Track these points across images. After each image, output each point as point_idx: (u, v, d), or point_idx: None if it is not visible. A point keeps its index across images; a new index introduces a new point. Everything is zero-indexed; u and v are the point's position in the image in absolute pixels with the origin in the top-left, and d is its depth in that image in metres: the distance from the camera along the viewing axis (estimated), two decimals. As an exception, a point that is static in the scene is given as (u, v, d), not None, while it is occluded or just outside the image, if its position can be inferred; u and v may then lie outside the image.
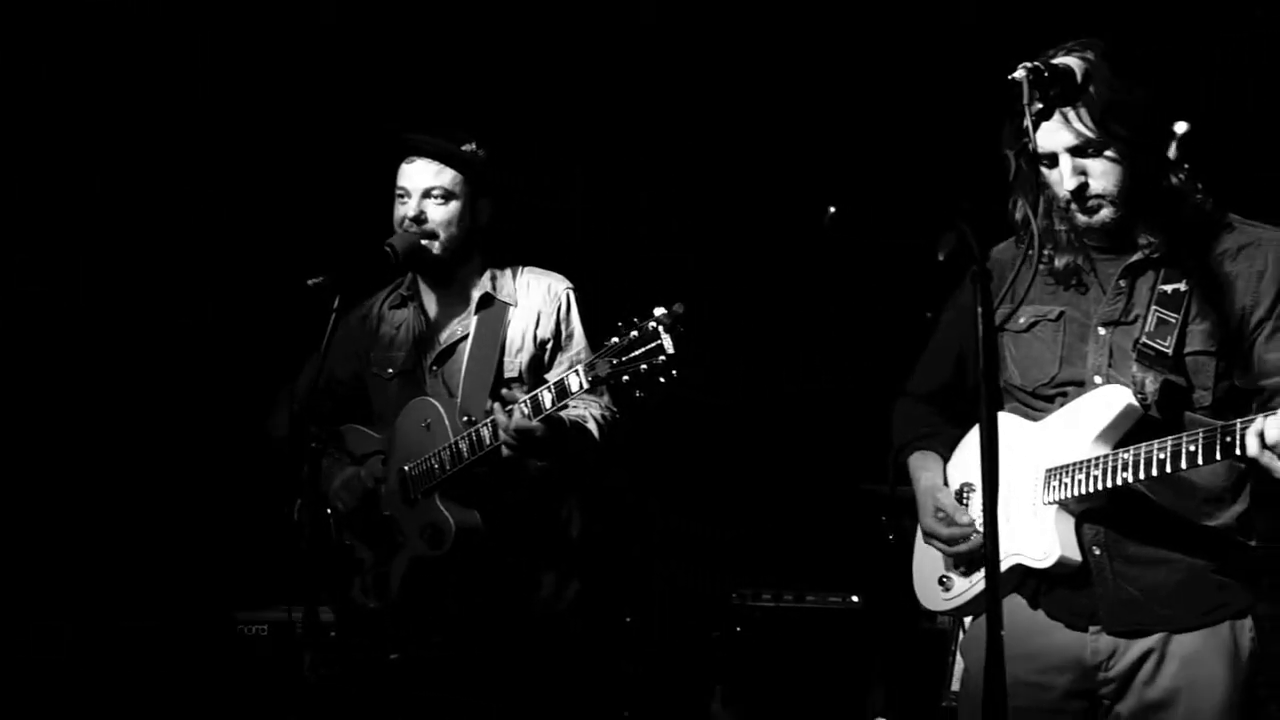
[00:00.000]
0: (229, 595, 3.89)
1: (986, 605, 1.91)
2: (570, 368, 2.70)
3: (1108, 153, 2.23)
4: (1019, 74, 2.12)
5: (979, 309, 1.93)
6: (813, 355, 4.66)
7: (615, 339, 2.56)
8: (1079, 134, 2.21)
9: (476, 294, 3.07)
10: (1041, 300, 2.39)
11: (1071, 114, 2.20)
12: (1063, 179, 2.25)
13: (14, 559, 4.15)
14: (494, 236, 3.13)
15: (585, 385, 2.63)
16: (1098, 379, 2.29)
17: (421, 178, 3.00)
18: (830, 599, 4.16)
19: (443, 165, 3.00)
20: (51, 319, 4.31)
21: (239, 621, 3.74)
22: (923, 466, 2.49)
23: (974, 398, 2.17)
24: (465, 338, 3.05)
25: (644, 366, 2.51)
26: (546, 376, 2.95)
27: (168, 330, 4.40)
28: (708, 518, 4.55)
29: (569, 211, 4.55)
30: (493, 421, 2.78)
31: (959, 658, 3.53)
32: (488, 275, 3.09)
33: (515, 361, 3.01)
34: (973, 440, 2.45)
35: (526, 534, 2.96)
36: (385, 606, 3.01)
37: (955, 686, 3.61)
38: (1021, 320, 2.40)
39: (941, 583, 2.43)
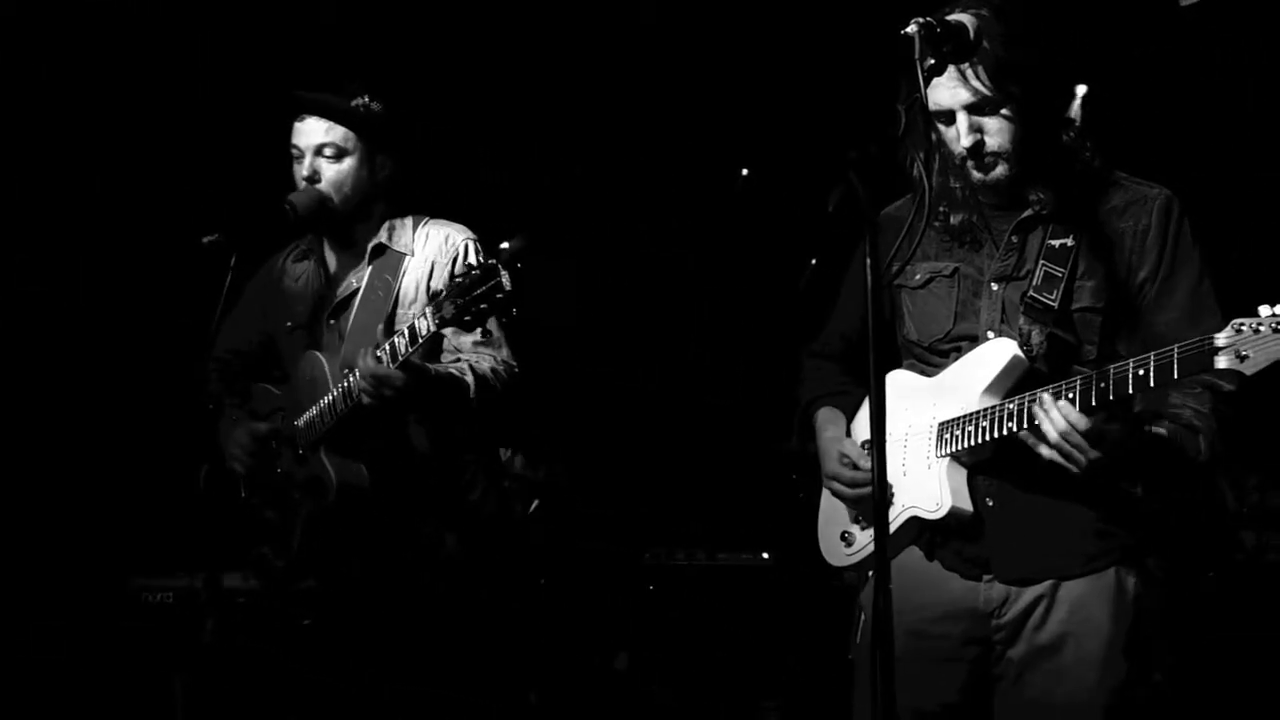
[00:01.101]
0: (131, 562, 3.82)
1: (875, 558, 1.93)
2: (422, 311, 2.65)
3: (1004, 111, 2.26)
4: (911, 29, 2.12)
5: (867, 260, 1.96)
6: (721, 316, 4.70)
7: (460, 279, 2.54)
8: (976, 91, 2.23)
9: (371, 245, 3.02)
10: (937, 256, 2.41)
11: (969, 71, 2.22)
12: (959, 136, 2.27)
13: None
14: (397, 190, 3.06)
15: (432, 327, 2.58)
16: (990, 334, 2.33)
17: (312, 136, 2.93)
18: (742, 556, 4.21)
19: (333, 122, 2.93)
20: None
21: (141, 589, 3.67)
22: (829, 421, 2.53)
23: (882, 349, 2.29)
24: (358, 290, 3.00)
25: (484, 305, 2.49)
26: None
27: (62, 295, 4.29)
28: (620, 479, 4.57)
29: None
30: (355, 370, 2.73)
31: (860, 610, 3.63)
32: (385, 226, 3.03)
33: (408, 313, 2.93)
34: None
35: (422, 492, 2.91)
36: (290, 564, 2.96)
37: (860, 639, 3.67)
38: (918, 277, 2.43)
39: (844, 538, 2.47)
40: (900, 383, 2.43)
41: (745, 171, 4.38)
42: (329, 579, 2.95)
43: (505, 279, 2.47)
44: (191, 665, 3.47)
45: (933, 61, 2.15)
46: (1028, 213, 2.34)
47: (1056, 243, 2.31)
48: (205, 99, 4.25)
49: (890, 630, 1.89)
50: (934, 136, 2.32)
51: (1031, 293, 2.30)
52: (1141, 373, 2.06)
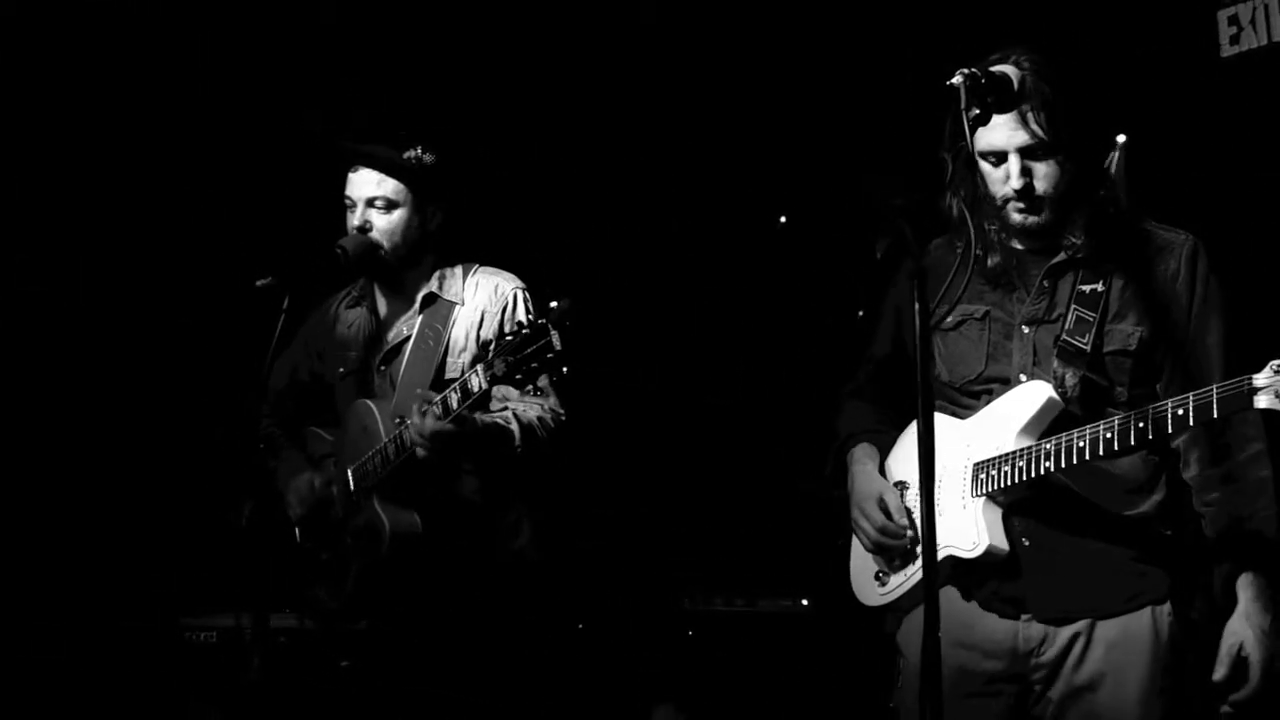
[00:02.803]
0: (176, 601, 3.85)
1: (924, 596, 1.95)
2: (474, 367, 2.70)
3: (1056, 157, 2.31)
4: (956, 80, 2.17)
5: (915, 305, 1.99)
6: (759, 361, 4.71)
7: (509, 337, 2.58)
8: (1034, 135, 2.29)
9: (421, 294, 3.07)
10: (968, 299, 2.45)
11: (1030, 115, 2.28)
12: (1009, 177, 2.31)
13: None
14: (448, 239, 3.12)
15: (484, 385, 2.63)
16: (1023, 376, 2.37)
17: (364, 188, 3.00)
18: (781, 603, 4.18)
19: (385, 175, 2.99)
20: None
21: (185, 628, 3.70)
22: (864, 457, 2.55)
23: (908, 395, 2.30)
24: (409, 338, 3.05)
25: (534, 364, 2.53)
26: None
27: (115, 333, 4.36)
28: (659, 523, 4.57)
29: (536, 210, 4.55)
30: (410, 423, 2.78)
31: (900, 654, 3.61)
32: (436, 275, 3.09)
33: (458, 361, 2.99)
34: (907, 439, 2.52)
35: (468, 540, 2.94)
36: (343, 608, 2.98)
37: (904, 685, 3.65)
38: (950, 319, 2.47)
39: (877, 578, 2.48)
40: (934, 425, 2.44)
41: (783, 219, 4.42)
42: (381, 622, 2.98)
43: (555, 339, 2.50)
44: (232, 704, 3.48)
45: (977, 111, 2.20)
46: (1060, 257, 2.39)
47: (1087, 288, 2.36)
48: (264, 146, 4.34)
49: (938, 673, 1.90)
50: (974, 180, 2.37)
51: (1065, 336, 2.34)
52: (1181, 413, 2.09)
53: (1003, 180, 2.34)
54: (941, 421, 2.43)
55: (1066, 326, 2.34)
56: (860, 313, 2.62)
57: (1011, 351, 2.40)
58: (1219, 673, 2.24)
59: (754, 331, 4.71)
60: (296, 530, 3.11)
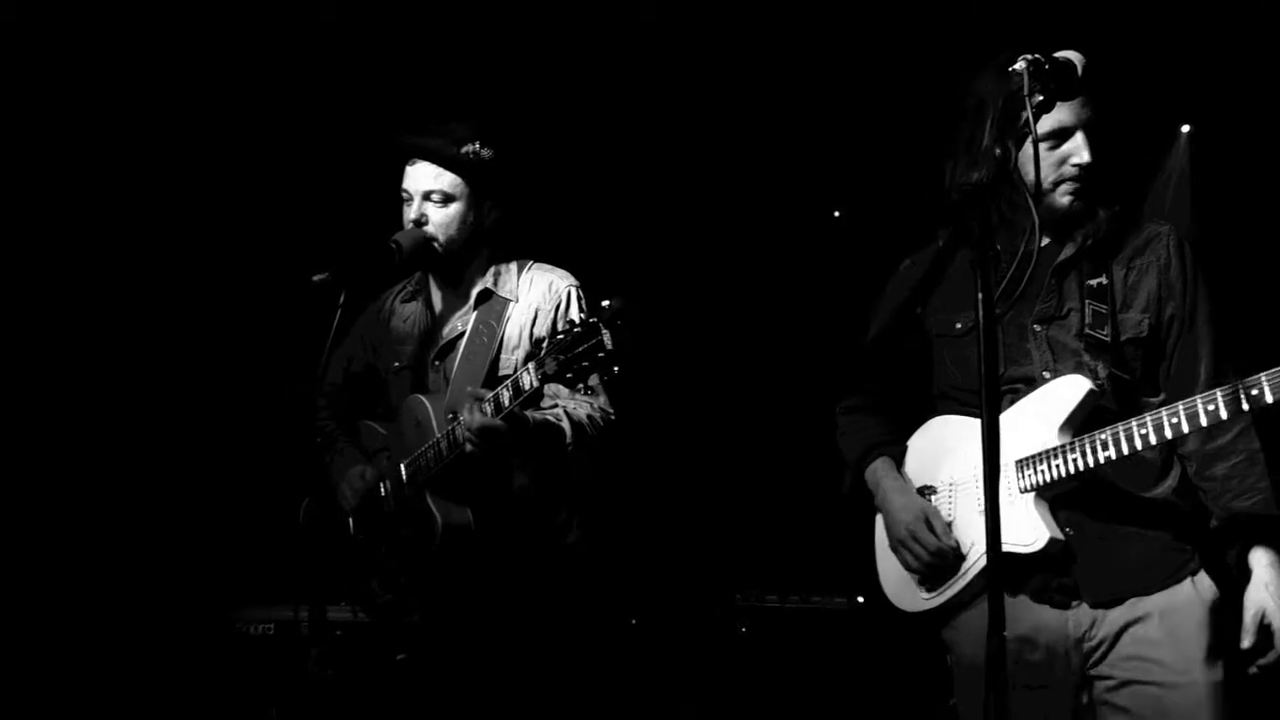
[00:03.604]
0: (234, 594, 3.89)
1: (988, 594, 1.95)
2: (526, 365, 2.71)
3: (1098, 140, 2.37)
4: (1020, 66, 2.15)
5: (979, 295, 1.98)
6: (815, 356, 4.66)
7: (561, 335, 2.57)
8: (1098, 113, 2.34)
9: (476, 289, 3.08)
10: (973, 305, 2.43)
11: (1085, 94, 2.32)
12: (1080, 150, 2.35)
13: (21, 558, 4.15)
14: (502, 234, 3.12)
15: (535, 383, 2.63)
16: (1046, 374, 2.40)
17: (421, 181, 3.00)
18: (835, 599, 4.15)
19: (442, 169, 3.00)
20: (54, 315, 4.32)
21: (243, 621, 3.74)
22: (887, 474, 2.57)
23: (913, 401, 2.46)
24: (463, 334, 3.05)
25: (586, 363, 2.52)
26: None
27: (172, 328, 4.41)
28: (714, 519, 4.54)
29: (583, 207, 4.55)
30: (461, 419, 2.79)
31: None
32: (491, 271, 3.09)
33: (512, 358, 2.99)
34: (917, 445, 2.57)
35: (519, 536, 2.95)
36: (397, 601, 3.00)
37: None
38: (958, 325, 2.49)
39: (922, 585, 2.49)
40: (949, 429, 2.50)
41: (837, 213, 4.38)
42: (433, 615, 2.99)
43: (607, 338, 2.49)
44: (288, 697, 3.51)
45: (1041, 98, 2.17)
46: (1068, 252, 2.43)
47: (1094, 281, 2.42)
48: (320, 140, 4.37)
49: (1003, 666, 1.91)
50: (1005, 168, 2.35)
51: (1088, 330, 2.39)
52: (1212, 408, 2.14)
53: (1060, 161, 2.37)
54: (961, 425, 2.47)
55: (1086, 320, 2.38)
56: (919, 309, 2.59)
57: (1029, 351, 2.43)
58: (1246, 641, 2.31)
59: (810, 327, 4.66)
60: (350, 523, 3.12)
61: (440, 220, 3.01)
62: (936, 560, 2.41)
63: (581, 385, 2.65)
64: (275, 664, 3.65)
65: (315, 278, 2.85)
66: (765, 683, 4.11)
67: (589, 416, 2.92)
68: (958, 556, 2.40)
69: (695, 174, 4.67)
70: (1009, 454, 2.36)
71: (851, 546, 4.32)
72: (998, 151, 2.28)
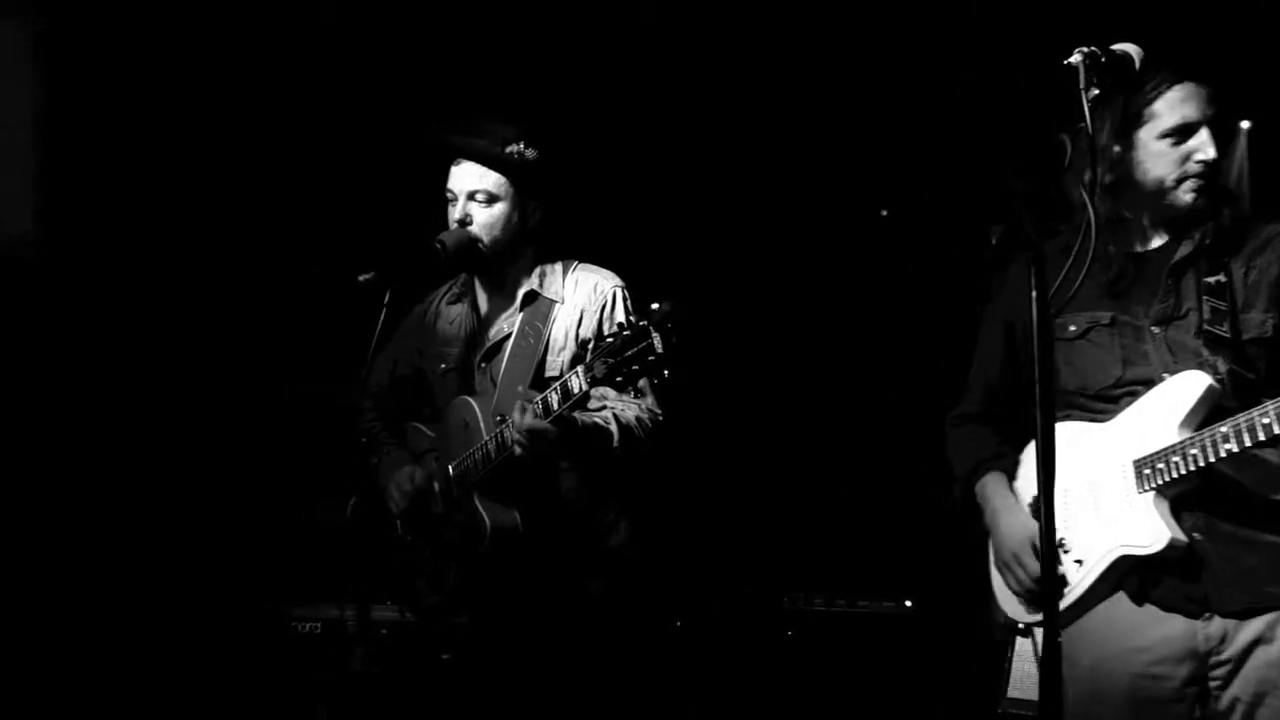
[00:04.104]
0: (283, 592, 3.92)
1: (1043, 608, 1.92)
2: (568, 370, 2.70)
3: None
4: (1075, 59, 2.10)
5: (1034, 294, 1.93)
6: (867, 359, 4.62)
7: (610, 339, 2.56)
8: (1219, 108, 2.31)
9: (522, 291, 3.07)
10: (1092, 306, 2.42)
11: (1208, 89, 2.30)
12: (1205, 146, 2.31)
13: (78, 555, 4.21)
14: (547, 235, 3.12)
15: (585, 386, 2.62)
16: (1165, 375, 2.34)
17: (466, 181, 3.01)
18: (883, 604, 4.10)
19: (487, 168, 3.00)
20: (113, 314, 4.38)
21: (292, 619, 3.77)
22: (997, 491, 2.51)
23: (1029, 404, 2.27)
24: (510, 335, 3.05)
25: (635, 366, 2.51)
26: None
27: (221, 328, 4.45)
28: (760, 521, 4.51)
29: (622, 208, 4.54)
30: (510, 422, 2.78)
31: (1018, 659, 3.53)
32: (537, 272, 3.09)
33: (558, 360, 2.99)
34: (1030, 458, 2.50)
35: (567, 538, 2.94)
36: (444, 602, 3.00)
37: (1012, 693, 3.56)
38: (1072, 328, 2.44)
39: (1030, 602, 2.44)
40: (1068, 433, 2.42)
41: (884, 212, 4.33)
42: (481, 616, 2.99)
43: (656, 341, 2.48)
44: (336, 695, 3.53)
45: (1097, 92, 2.12)
46: (1184, 251, 2.38)
47: (1212, 279, 2.35)
48: (367, 141, 4.40)
49: (1060, 683, 1.87)
50: (1122, 166, 2.34)
51: (1207, 326, 2.32)
52: None
53: (1184, 157, 2.32)
54: (1078, 429, 2.42)
55: (1205, 317, 2.32)
56: (977, 309, 2.55)
57: (1147, 354, 2.37)
58: None
59: (858, 329, 4.61)
60: (398, 524, 3.13)
61: (485, 220, 3.01)
62: (1039, 587, 2.37)
63: (630, 389, 2.64)
64: (323, 662, 3.67)
65: (361, 278, 2.87)
66: (811, 687, 4.07)
67: (637, 418, 2.91)
68: (1063, 580, 2.36)
69: (741, 172, 4.64)
70: (1126, 455, 2.33)
71: (900, 550, 4.30)
72: (1116, 149, 2.29)
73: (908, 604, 4.07)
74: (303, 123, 4.42)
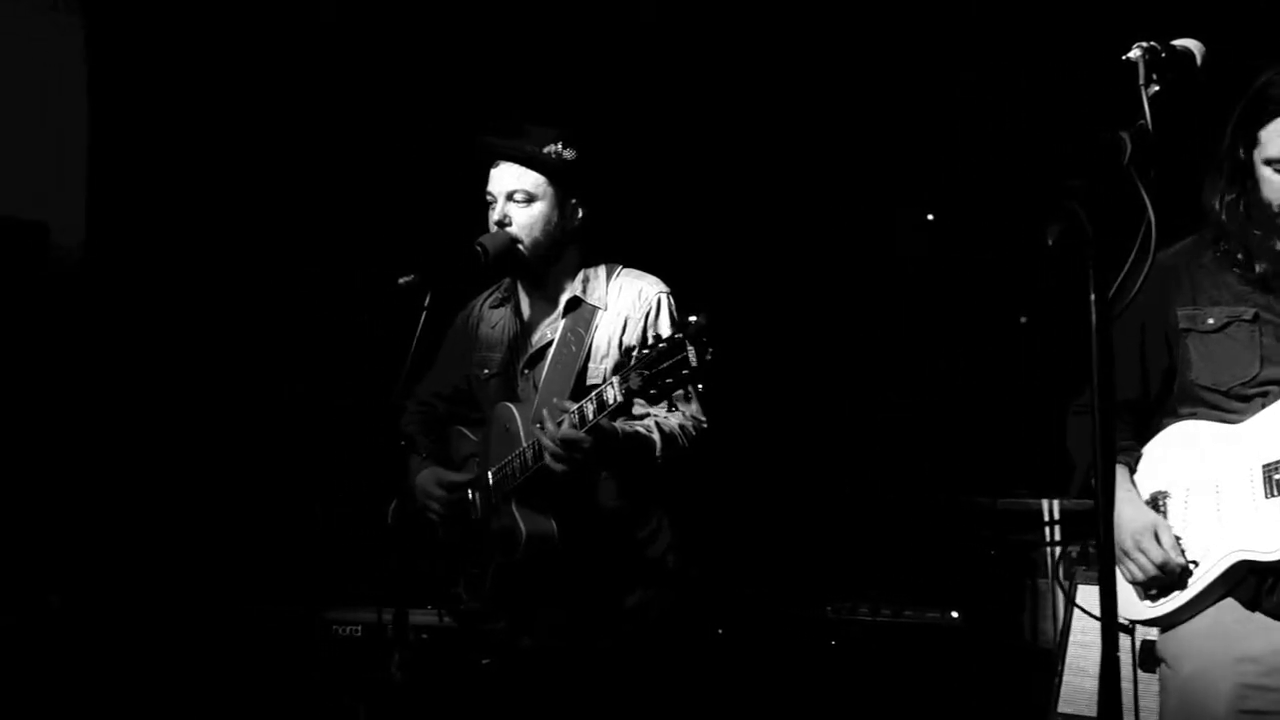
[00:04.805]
0: (323, 596, 3.92)
1: (1101, 609, 1.85)
2: (607, 379, 2.66)
3: None
4: (1134, 54, 2.05)
5: (1092, 295, 1.90)
6: (909, 364, 4.55)
7: (646, 350, 2.53)
8: None
9: (565, 296, 3.05)
10: (1233, 301, 2.40)
11: None
12: None
13: (120, 555, 4.25)
14: (589, 237, 3.09)
15: (620, 397, 2.59)
16: None
17: (504, 181, 2.99)
18: (928, 614, 4.03)
19: (525, 168, 2.97)
20: (158, 321, 4.42)
21: (332, 622, 3.77)
22: (1119, 484, 2.46)
23: (1160, 401, 2.40)
24: (552, 342, 3.02)
25: (670, 379, 2.48)
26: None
27: (264, 331, 4.48)
28: (804, 529, 4.46)
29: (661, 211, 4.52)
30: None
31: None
32: (580, 277, 3.06)
33: (600, 368, 2.96)
34: (1154, 452, 2.48)
35: (605, 546, 2.91)
36: (483, 607, 2.98)
37: (1063, 708, 3.48)
38: (1210, 321, 2.41)
39: (1149, 595, 2.41)
40: (1195, 431, 2.41)
41: (930, 216, 4.26)
42: (518, 623, 2.97)
43: (691, 355, 2.45)
44: (376, 698, 3.53)
45: (1157, 88, 2.06)
46: None
47: None
48: (410, 144, 4.41)
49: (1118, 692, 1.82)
50: (1245, 182, 2.34)
51: None
52: None
53: None
54: (1207, 428, 2.39)
55: None
56: (1022, 318, 2.50)
57: None
58: None
59: (903, 335, 4.55)
60: (438, 528, 3.11)
61: (524, 221, 2.98)
62: (1161, 574, 2.34)
63: (665, 401, 2.61)
64: (363, 665, 3.67)
65: (401, 280, 2.85)
66: (854, 699, 4.01)
67: (680, 426, 2.87)
68: (1185, 570, 2.33)
69: (785, 176, 4.60)
70: (1256, 458, 2.29)
71: (947, 559, 4.23)
72: (1241, 153, 2.28)
73: (954, 615, 3.99)
74: (345, 129, 4.44)
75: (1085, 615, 3.38)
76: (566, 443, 2.69)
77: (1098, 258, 1.91)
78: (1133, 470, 2.49)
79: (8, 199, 4.17)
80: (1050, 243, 2.04)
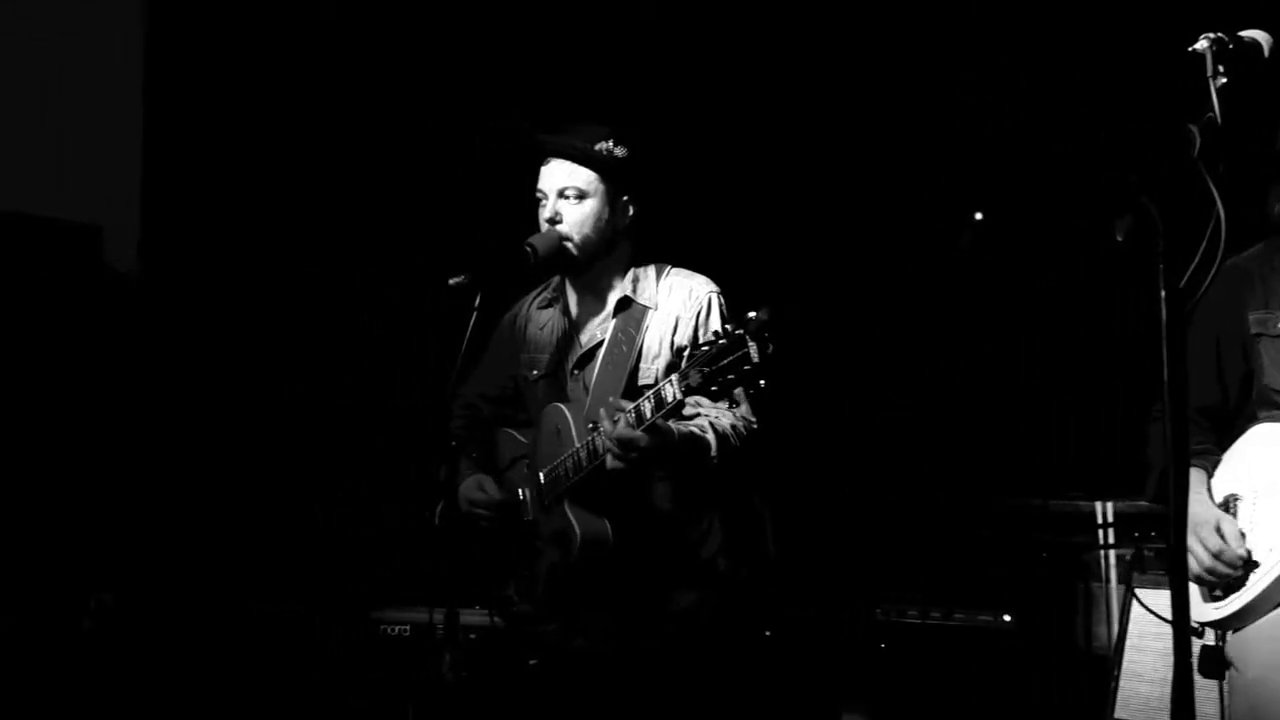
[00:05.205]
0: (371, 595, 3.93)
1: (1173, 613, 1.81)
2: (661, 379, 2.64)
3: None
4: (1201, 45, 2.01)
5: (1163, 292, 1.86)
6: (960, 362, 4.50)
7: (705, 347, 2.50)
8: None
9: (615, 296, 3.03)
10: None
11: None
12: None
13: (172, 554, 4.28)
14: (640, 235, 3.07)
15: (678, 395, 2.57)
16: None
17: (555, 179, 2.97)
18: (980, 617, 3.97)
19: (576, 165, 2.96)
20: (209, 319, 4.45)
21: (381, 622, 3.77)
22: (1192, 485, 2.43)
23: (1239, 406, 2.39)
24: (602, 343, 3.00)
25: (730, 376, 2.45)
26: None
27: (315, 332, 4.50)
28: (853, 528, 4.42)
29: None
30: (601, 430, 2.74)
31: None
32: (629, 276, 3.04)
33: (651, 368, 2.94)
34: (1233, 457, 2.47)
35: (658, 548, 2.89)
36: (533, 609, 2.97)
37: (1119, 714, 3.43)
38: None
39: (1213, 595, 2.39)
40: (1263, 433, 2.40)
41: (979, 215, 4.20)
42: (570, 625, 2.95)
43: (753, 350, 2.42)
44: (426, 698, 3.53)
45: (1225, 80, 2.01)
46: None
47: None
48: (456, 143, 4.42)
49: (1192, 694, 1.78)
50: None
51: None
52: None
53: None
54: (1277, 430, 2.37)
55: None
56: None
57: None
58: None
59: (954, 334, 4.49)
60: (488, 529, 3.10)
61: (575, 218, 2.97)
62: (1219, 564, 2.32)
63: (725, 399, 2.59)
64: (412, 665, 3.68)
65: (451, 281, 2.85)
66: (904, 704, 3.96)
67: (732, 426, 2.85)
68: (1248, 564, 2.31)
69: (836, 175, 4.56)
70: None
71: (1000, 560, 4.17)
72: None
73: (1006, 618, 3.94)
74: (397, 127, 4.45)
75: (1141, 619, 3.32)
76: (623, 442, 2.67)
77: (1169, 253, 1.85)
78: (1210, 474, 2.47)
79: (62, 202, 4.22)
80: (1119, 238, 2.00)
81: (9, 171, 4.24)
